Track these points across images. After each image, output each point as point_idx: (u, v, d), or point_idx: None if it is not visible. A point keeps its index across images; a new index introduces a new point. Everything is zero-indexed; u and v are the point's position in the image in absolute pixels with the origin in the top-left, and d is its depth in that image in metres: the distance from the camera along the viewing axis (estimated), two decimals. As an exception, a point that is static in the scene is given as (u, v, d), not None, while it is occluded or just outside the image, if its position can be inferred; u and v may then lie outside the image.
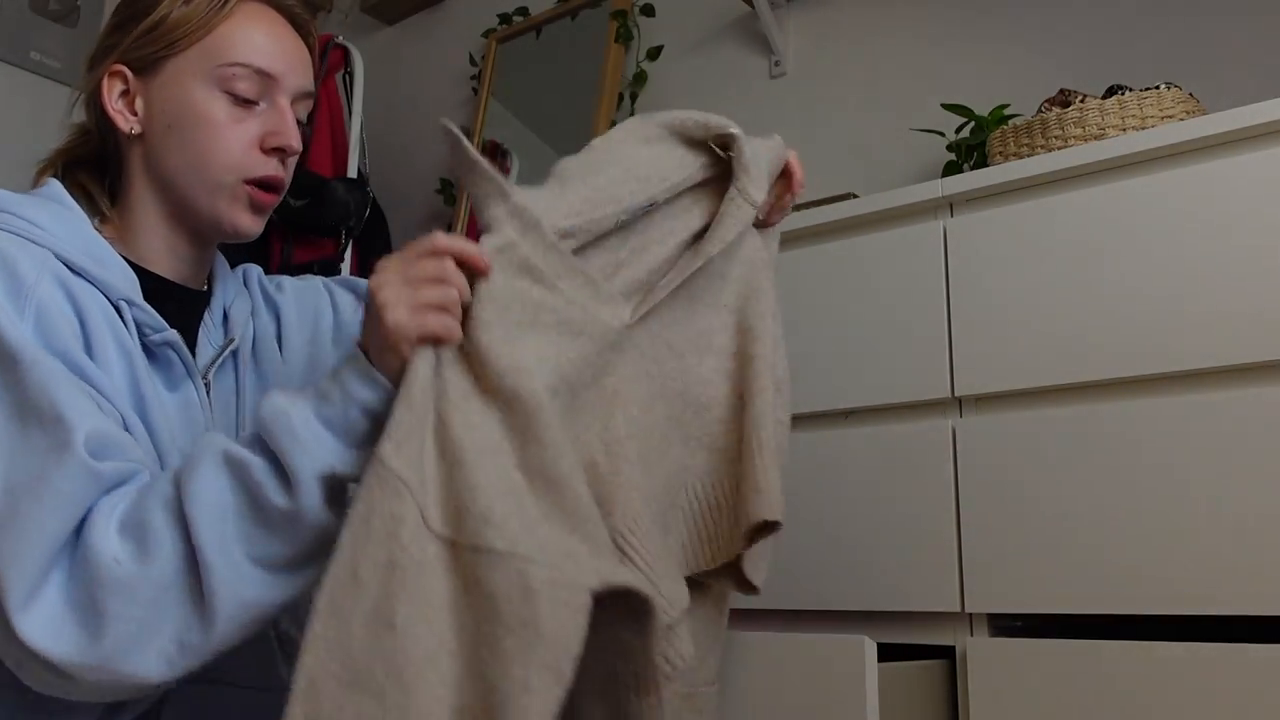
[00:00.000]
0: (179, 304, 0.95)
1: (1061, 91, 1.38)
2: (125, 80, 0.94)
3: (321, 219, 2.21)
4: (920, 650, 1.15)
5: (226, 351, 0.97)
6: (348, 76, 2.41)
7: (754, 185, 0.89)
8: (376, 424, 0.73)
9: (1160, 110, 1.25)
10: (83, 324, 0.82)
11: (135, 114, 0.94)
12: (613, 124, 2.16)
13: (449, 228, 2.39)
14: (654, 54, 2.20)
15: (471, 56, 2.51)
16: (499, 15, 2.47)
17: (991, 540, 1.12)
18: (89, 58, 0.97)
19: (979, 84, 1.75)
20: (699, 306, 0.88)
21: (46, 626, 0.68)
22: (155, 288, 0.92)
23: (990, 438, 1.15)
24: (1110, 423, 1.08)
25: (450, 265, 0.73)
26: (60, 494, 0.71)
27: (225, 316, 1.00)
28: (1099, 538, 1.06)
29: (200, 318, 0.97)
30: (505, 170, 2.36)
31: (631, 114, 2.18)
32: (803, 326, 1.31)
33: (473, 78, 2.51)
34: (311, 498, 0.72)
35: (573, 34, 2.33)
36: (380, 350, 0.73)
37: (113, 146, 0.97)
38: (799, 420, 1.30)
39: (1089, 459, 1.09)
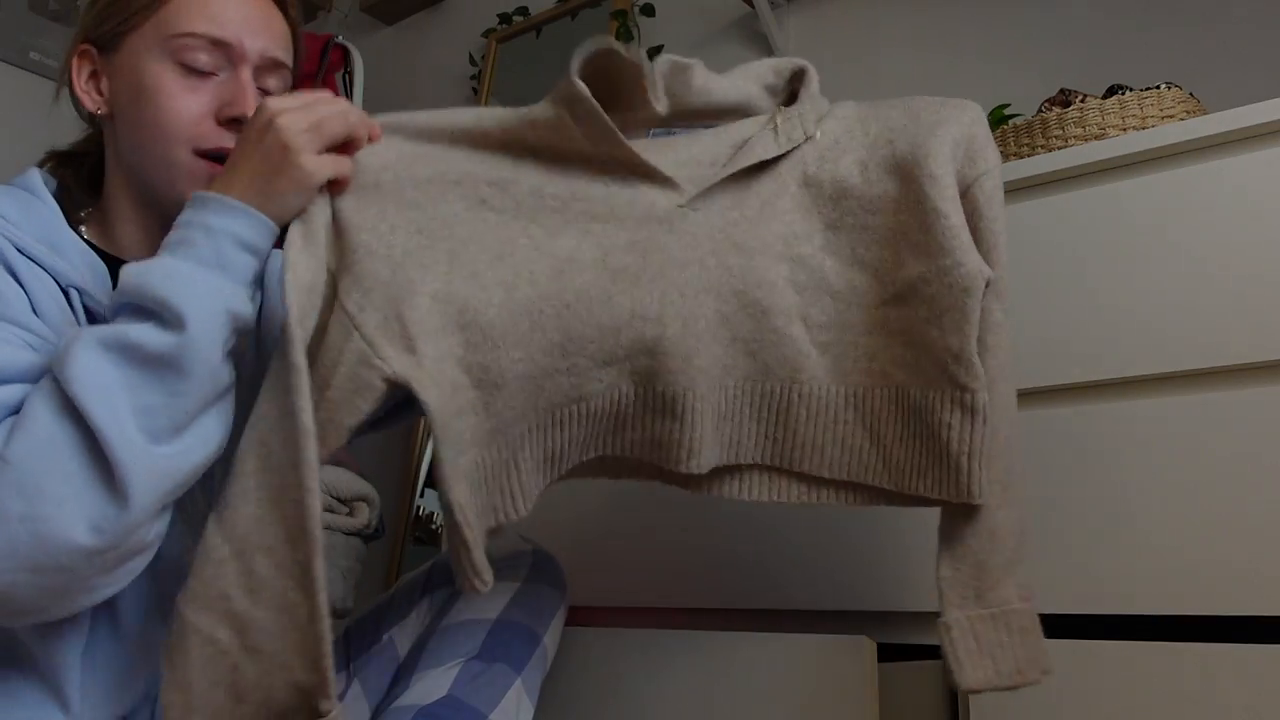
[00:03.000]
0: None
1: (1061, 91, 1.38)
2: (92, 60, 0.91)
3: (321, 219, 2.21)
4: (920, 650, 1.15)
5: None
6: (347, 76, 2.41)
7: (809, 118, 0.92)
8: (257, 256, 0.74)
9: (1160, 110, 1.25)
10: (29, 297, 0.80)
11: (102, 94, 0.91)
12: (613, 124, 2.16)
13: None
14: (654, 54, 2.20)
15: (471, 56, 2.51)
16: (499, 15, 2.47)
17: (991, 540, 1.12)
18: (69, 46, 0.94)
19: (979, 84, 1.75)
20: (777, 211, 0.87)
21: None
22: None
23: (990, 438, 1.15)
24: (1110, 423, 1.08)
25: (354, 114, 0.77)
26: None
27: None
28: (1098, 538, 1.06)
29: None
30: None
31: (631, 114, 2.19)
32: (803, 326, 1.31)
33: (473, 78, 2.51)
34: (200, 326, 0.70)
35: (573, 34, 2.33)
36: (279, 188, 0.74)
37: (96, 134, 0.96)
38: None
39: (1088, 459, 1.09)
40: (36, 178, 0.91)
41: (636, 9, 2.23)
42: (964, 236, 0.81)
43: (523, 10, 2.42)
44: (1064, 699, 1.03)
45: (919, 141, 0.84)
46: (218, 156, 0.88)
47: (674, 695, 1.09)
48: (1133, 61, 1.61)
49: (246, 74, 0.90)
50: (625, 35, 2.22)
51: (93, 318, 0.85)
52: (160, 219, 0.89)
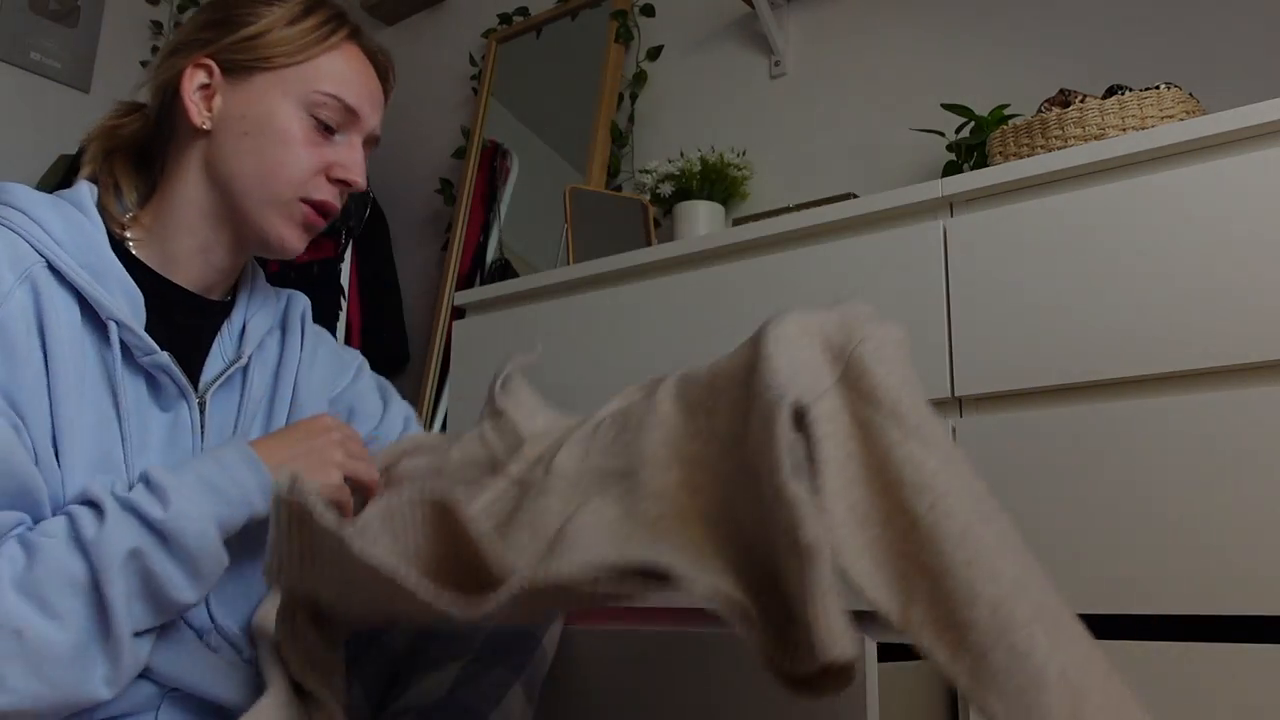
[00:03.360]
0: (191, 314, 0.94)
1: (1061, 91, 1.38)
2: (210, 75, 0.94)
3: (321, 219, 2.21)
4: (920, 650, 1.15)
5: (233, 369, 0.96)
6: (348, 76, 2.41)
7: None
8: (252, 512, 0.84)
9: (1160, 110, 1.25)
10: (46, 343, 0.82)
11: (210, 110, 0.94)
12: (612, 124, 2.16)
13: (448, 227, 2.39)
14: (654, 54, 2.20)
15: (471, 56, 2.51)
16: (499, 15, 2.47)
17: (991, 540, 1.12)
18: (172, 44, 0.97)
19: (979, 84, 1.75)
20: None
21: None
22: (168, 297, 0.92)
23: (990, 438, 1.15)
24: (1110, 423, 1.08)
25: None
26: None
27: (243, 330, 0.99)
28: (1098, 537, 1.07)
29: (217, 329, 0.97)
30: (505, 170, 2.36)
31: (631, 114, 2.19)
32: (803, 326, 1.31)
33: (473, 78, 2.51)
34: (208, 590, 0.82)
35: (573, 34, 2.33)
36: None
37: (166, 134, 0.97)
38: (799, 420, 1.30)
39: (1089, 459, 1.09)
40: (87, 194, 0.92)
41: (636, 9, 2.23)
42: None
43: (523, 10, 2.42)
44: (1064, 699, 1.03)
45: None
46: (319, 206, 0.96)
47: (673, 695, 1.09)
48: (1133, 61, 1.61)
49: (359, 141, 0.98)
50: (625, 35, 2.22)
51: (127, 352, 0.87)
52: (230, 238, 0.95)
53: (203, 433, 0.93)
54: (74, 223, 0.88)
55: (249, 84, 0.94)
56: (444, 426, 2.15)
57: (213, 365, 0.95)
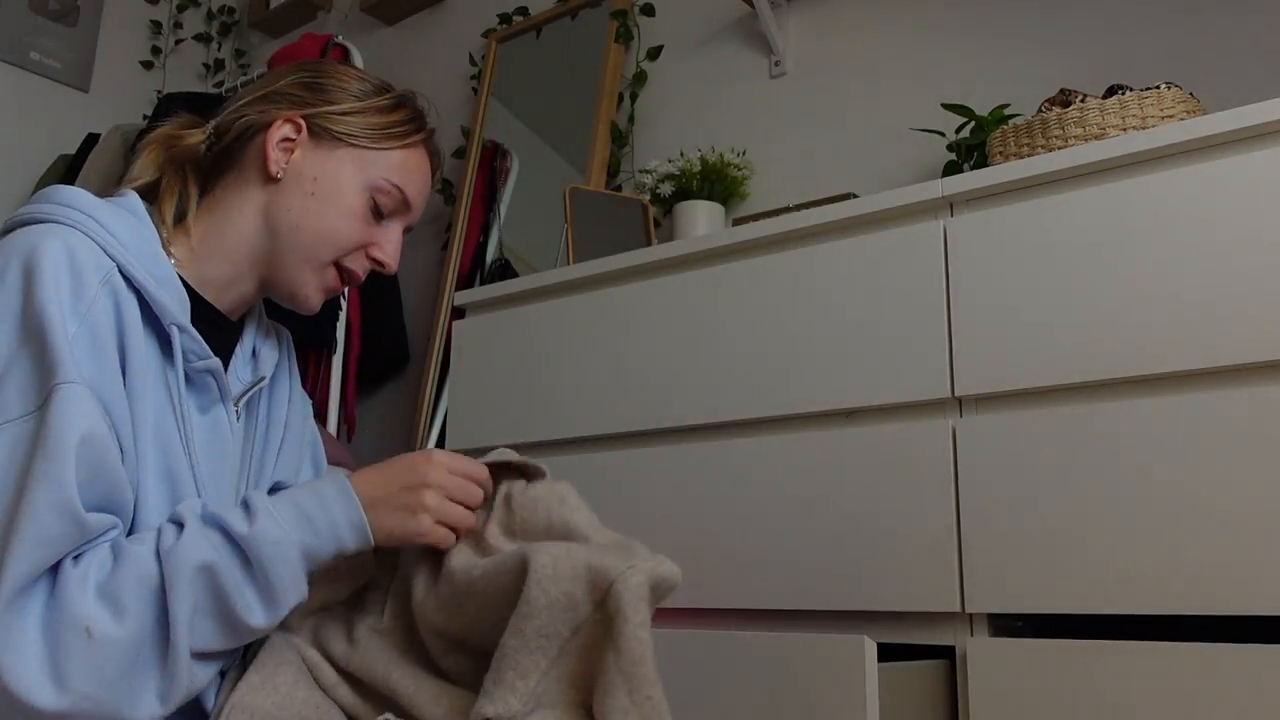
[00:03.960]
0: (216, 330, 0.98)
1: (1062, 91, 1.38)
2: (297, 132, 0.99)
3: (321, 219, 2.21)
4: (920, 650, 1.15)
5: (259, 385, 1.02)
6: (348, 76, 2.41)
7: None
8: (339, 549, 0.86)
9: (1160, 110, 1.25)
10: (123, 345, 0.85)
11: (286, 164, 0.99)
12: (612, 124, 2.17)
13: (449, 227, 2.39)
14: (654, 54, 2.20)
15: (471, 56, 2.51)
16: (499, 15, 2.47)
17: (991, 540, 1.12)
18: (266, 91, 1.02)
19: (979, 84, 1.75)
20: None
21: (23, 675, 0.73)
22: (198, 310, 0.95)
23: (990, 438, 1.15)
24: (1111, 423, 1.08)
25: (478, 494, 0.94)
26: (45, 535, 0.75)
27: (254, 353, 1.04)
28: (1099, 538, 1.06)
29: (232, 348, 1.01)
30: (505, 170, 2.36)
31: (631, 114, 2.19)
32: (803, 326, 1.31)
33: (473, 78, 2.51)
34: (280, 618, 0.83)
35: (573, 34, 2.33)
36: (395, 522, 0.89)
37: (228, 164, 1.00)
38: (800, 420, 1.30)
39: (1089, 459, 1.09)
40: (137, 200, 0.95)
41: (636, 9, 2.23)
42: None
43: (523, 10, 2.42)
44: (1064, 699, 1.03)
45: None
46: (347, 275, 1.02)
47: (673, 695, 1.09)
48: (1133, 61, 1.61)
49: (400, 229, 1.05)
50: (625, 35, 2.22)
51: (185, 356, 0.90)
52: (260, 280, 1.00)
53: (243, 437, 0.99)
54: (135, 229, 0.91)
55: (329, 153, 1.00)
56: (443, 426, 2.14)
57: (232, 380, 1.00)
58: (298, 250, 0.98)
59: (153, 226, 0.94)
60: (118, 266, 0.86)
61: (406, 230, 1.07)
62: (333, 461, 1.79)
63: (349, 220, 0.99)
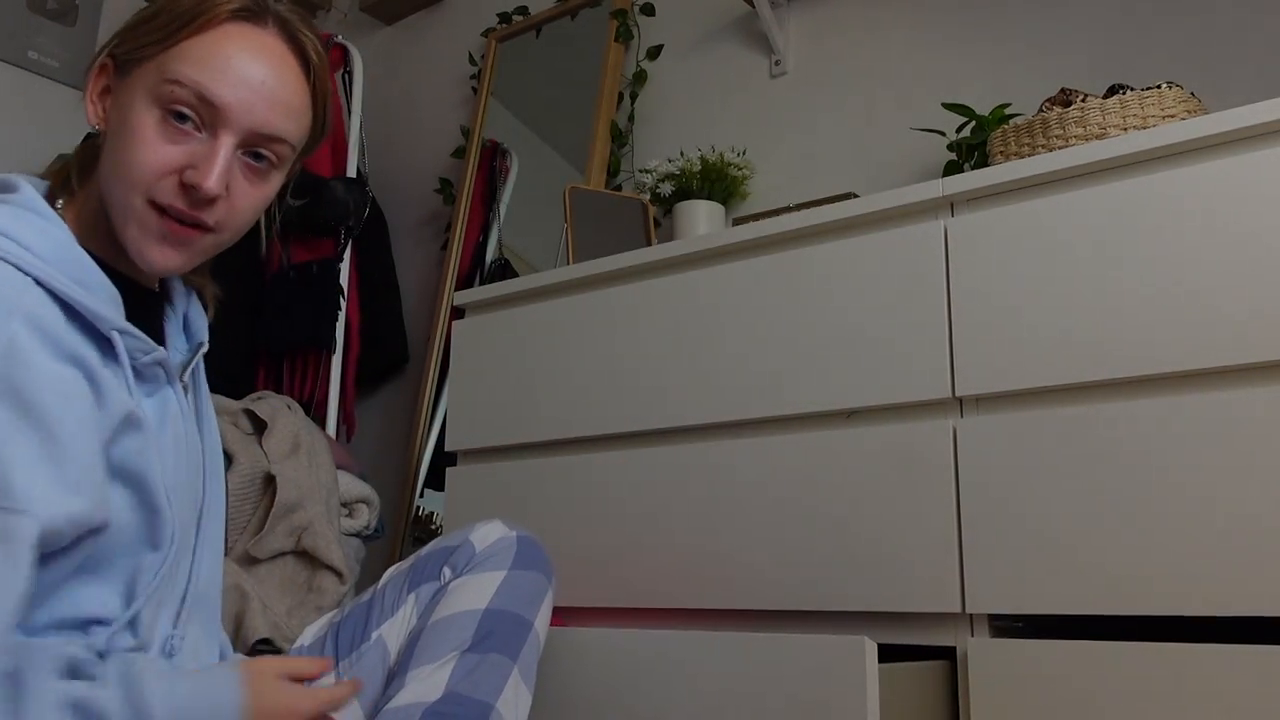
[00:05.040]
0: (143, 309, 0.91)
1: (1062, 91, 1.38)
2: (108, 76, 0.88)
3: (321, 218, 2.21)
4: (920, 650, 1.15)
5: (200, 352, 0.96)
6: (347, 76, 2.41)
7: None
8: None
9: (1161, 110, 1.25)
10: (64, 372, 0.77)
11: (105, 112, 0.88)
12: (612, 124, 2.16)
13: (448, 227, 2.39)
14: (654, 53, 2.20)
15: (471, 56, 2.51)
16: (499, 15, 2.47)
17: (991, 540, 1.12)
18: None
19: (979, 84, 1.75)
20: None
21: None
22: (119, 288, 0.87)
23: (991, 438, 1.15)
24: (1111, 423, 1.08)
25: None
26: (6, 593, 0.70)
27: (186, 321, 0.98)
28: (1099, 538, 1.06)
29: (160, 317, 0.95)
30: (505, 169, 2.36)
31: (631, 114, 2.19)
32: (803, 326, 1.31)
33: (473, 77, 2.51)
34: None
35: (573, 34, 2.33)
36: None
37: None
38: (801, 420, 1.30)
39: (1089, 459, 1.08)
40: (31, 191, 0.85)
41: (636, 9, 2.23)
42: None
43: (523, 10, 2.42)
44: (1064, 699, 1.03)
45: None
46: (174, 214, 0.84)
47: (673, 696, 1.09)
48: (1133, 61, 1.61)
49: (226, 144, 0.84)
50: (625, 35, 2.22)
51: (131, 354, 0.84)
52: (118, 244, 0.87)
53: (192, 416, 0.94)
54: (43, 231, 0.82)
55: (129, 80, 0.86)
56: (443, 426, 2.14)
57: (172, 351, 0.94)
58: (114, 204, 0.84)
59: (57, 219, 0.84)
60: (37, 281, 0.77)
61: (263, 144, 0.87)
62: (337, 464, 1.79)
63: (140, 147, 0.82)
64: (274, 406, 1.63)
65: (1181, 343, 1.06)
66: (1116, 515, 1.06)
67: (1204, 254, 1.06)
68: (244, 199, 0.88)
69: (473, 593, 1.03)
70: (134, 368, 0.86)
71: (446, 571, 1.07)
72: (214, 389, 1.58)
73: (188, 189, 0.83)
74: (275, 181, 0.91)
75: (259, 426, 1.60)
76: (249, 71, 0.84)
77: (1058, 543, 1.08)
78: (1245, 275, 1.04)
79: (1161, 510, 1.04)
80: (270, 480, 1.56)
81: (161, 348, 0.88)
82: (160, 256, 0.85)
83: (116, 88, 0.88)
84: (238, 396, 1.75)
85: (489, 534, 1.09)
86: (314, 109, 0.92)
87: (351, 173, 2.30)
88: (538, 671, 1.05)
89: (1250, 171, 1.05)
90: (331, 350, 2.20)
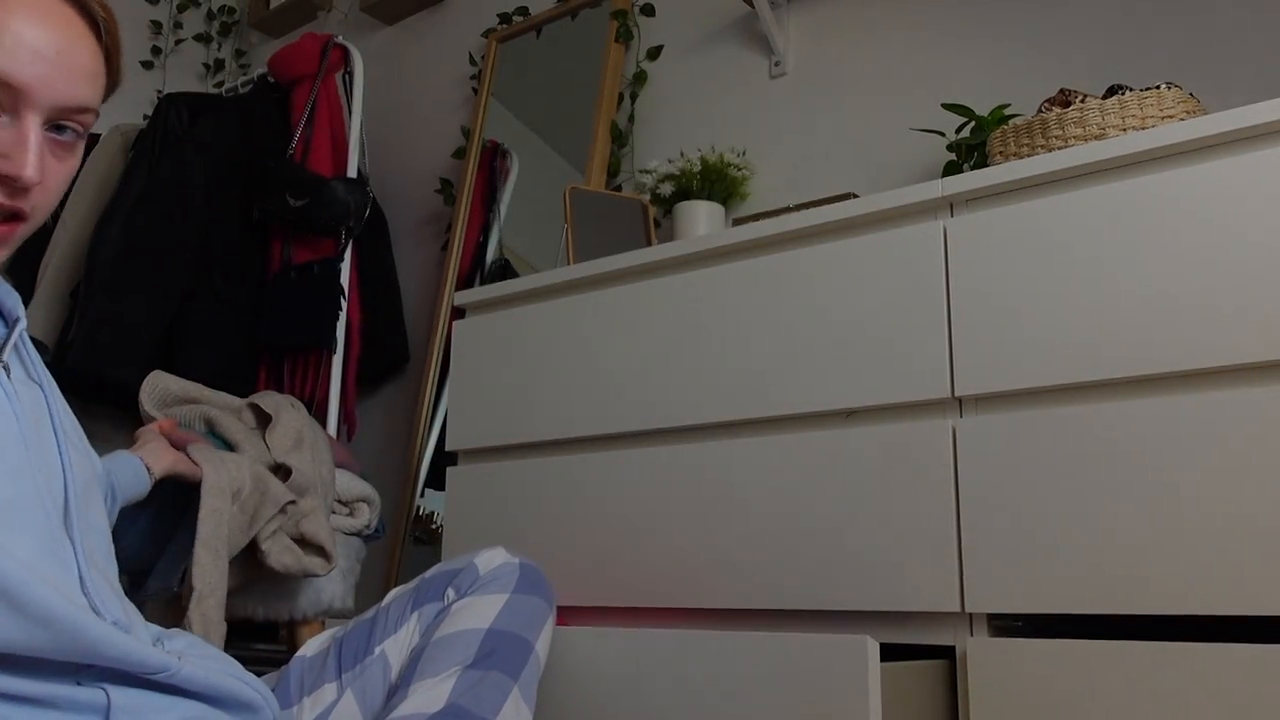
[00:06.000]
0: None
1: (1062, 91, 1.38)
2: None
3: (321, 218, 2.21)
4: (920, 650, 1.15)
5: (16, 333, 0.85)
6: (347, 76, 2.41)
7: None
8: None
9: (1160, 110, 1.25)
10: None
11: None
12: (612, 124, 2.17)
13: (449, 227, 2.39)
14: (654, 54, 2.20)
15: (471, 56, 2.51)
16: (499, 15, 2.47)
17: (991, 540, 1.12)
18: None
19: (979, 84, 1.75)
20: None
21: None
22: None
23: (991, 438, 1.15)
24: (1111, 423, 1.08)
25: None
26: None
27: None
28: (1099, 538, 1.06)
29: None
30: (505, 170, 2.36)
31: (631, 114, 2.19)
32: (802, 326, 1.31)
33: (473, 78, 2.51)
34: None
35: (573, 34, 2.33)
36: None
37: None
38: (800, 420, 1.30)
39: (1089, 459, 1.09)
40: None
41: (636, 9, 2.23)
42: None
43: (523, 10, 2.42)
44: (1064, 699, 1.03)
45: None
46: None
47: (674, 695, 1.09)
48: (1133, 61, 1.61)
49: (33, 126, 0.77)
50: (625, 35, 2.22)
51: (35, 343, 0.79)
52: None
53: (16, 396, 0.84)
54: None
55: None
56: (443, 426, 2.15)
57: None
58: None
59: None
60: None
61: (68, 116, 0.80)
62: (337, 463, 1.79)
63: None
64: (278, 402, 1.63)
65: (1181, 343, 1.06)
66: (1116, 515, 1.06)
67: (1203, 254, 1.06)
68: (55, 178, 0.82)
69: (476, 613, 1.05)
70: None
71: (450, 592, 1.09)
72: (215, 389, 1.59)
73: (3, 180, 0.76)
74: (80, 150, 0.85)
75: (263, 421, 1.60)
76: (41, 44, 0.76)
77: (1057, 542, 1.09)
78: (1244, 275, 1.04)
79: (1161, 510, 1.04)
80: (276, 470, 1.56)
81: None
82: None
83: None
84: (240, 396, 1.75)
85: (492, 559, 1.12)
86: (109, 66, 0.85)
87: (352, 173, 2.30)
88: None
89: (1250, 172, 1.06)
90: (332, 350, 2.20)
